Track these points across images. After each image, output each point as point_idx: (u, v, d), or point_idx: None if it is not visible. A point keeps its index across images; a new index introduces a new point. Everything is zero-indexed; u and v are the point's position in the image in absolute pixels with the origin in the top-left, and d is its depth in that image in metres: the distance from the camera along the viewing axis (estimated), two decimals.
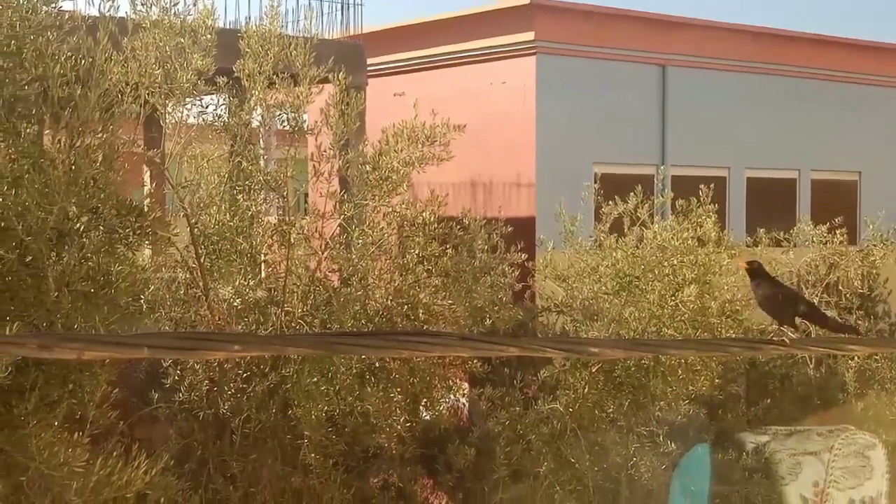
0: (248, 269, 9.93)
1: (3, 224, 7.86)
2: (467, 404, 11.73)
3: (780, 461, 12.58)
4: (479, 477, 10.82)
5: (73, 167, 8.54)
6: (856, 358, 14.26)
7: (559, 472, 10.77)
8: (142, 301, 8.84)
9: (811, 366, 14.77)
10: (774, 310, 5.30)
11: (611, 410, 11.25)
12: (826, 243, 15.50)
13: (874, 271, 15.95)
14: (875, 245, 15.58)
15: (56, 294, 8.04)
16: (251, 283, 9.86)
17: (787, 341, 4.66)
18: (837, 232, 15.28)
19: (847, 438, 12.89)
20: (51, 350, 2.71)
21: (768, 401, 13.78)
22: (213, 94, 10.45)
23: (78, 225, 8.30)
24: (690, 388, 11.66)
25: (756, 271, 5.37)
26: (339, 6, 18.77)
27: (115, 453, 7.72)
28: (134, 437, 8.37)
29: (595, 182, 14.26)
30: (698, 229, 12.70)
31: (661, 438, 11.39)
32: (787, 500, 12.43)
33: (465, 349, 3.10)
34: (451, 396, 11.14)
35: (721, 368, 12.38)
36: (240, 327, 9.54)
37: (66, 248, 8.24)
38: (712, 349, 4.50)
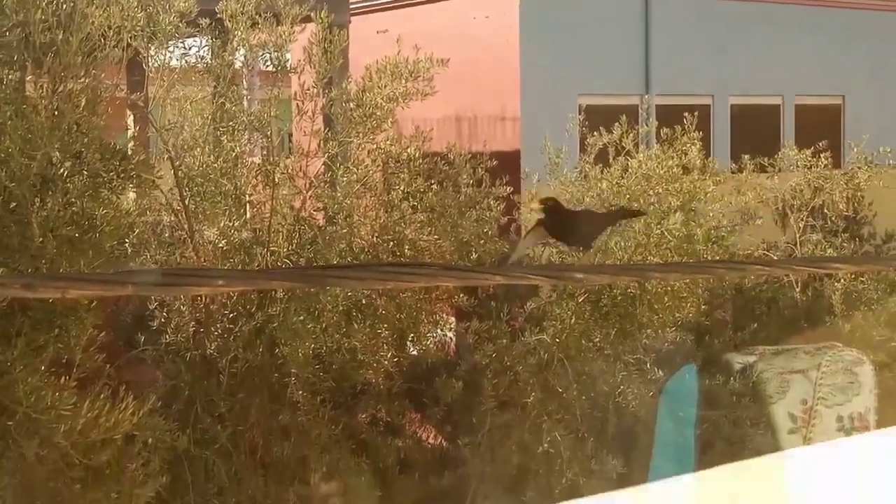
0: (233, 210, 9.88)
1: None
2: (454, 338, 11.74)
3: (768, 380, 12.55)
4: (467, 409, 10.85)
5: (56, 113, 8.51)
6: (842, 280, 14.21)
7: (547, 403, 10.80)
8: (126, 245, 8.81)
9: (797, 289, 14.73)
10: (591, 233, 5.17)
11: (598, 340, 11.27)
12: (811, 167, 15.34)
13: (859, 194, 15.84)
14: (860, 168, 15.46)
15: (41, 239, 8.03)
16: (236, 224, 9.82)
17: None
18: (822, 156, 15.14)
19: (834, 356, 12.83)
20: (34, 289, 2.61)
21: (755, 325, 13.76)
22: (195, 36, 10.35)
23: (62, 170, 8.28)
24: (677, 314, 11.66)
25: (554, 208, 5.21)
26: None
27: (102, 396, 7.72)
28: (121, 379, 8.36)
29: (580, 114, 14.19)
30: (683, 157, 12.64)
31: (649, 366, 11.42)
32: (775, 418, 12.44)
33: (449, 279, 3.02)
34: (438, 331, 11.15)
35: (707, 294, 12.39)
36: (226, 268, 9.52)
37: (50, 193, 8.22)
38: (697, 272, 4.45)
